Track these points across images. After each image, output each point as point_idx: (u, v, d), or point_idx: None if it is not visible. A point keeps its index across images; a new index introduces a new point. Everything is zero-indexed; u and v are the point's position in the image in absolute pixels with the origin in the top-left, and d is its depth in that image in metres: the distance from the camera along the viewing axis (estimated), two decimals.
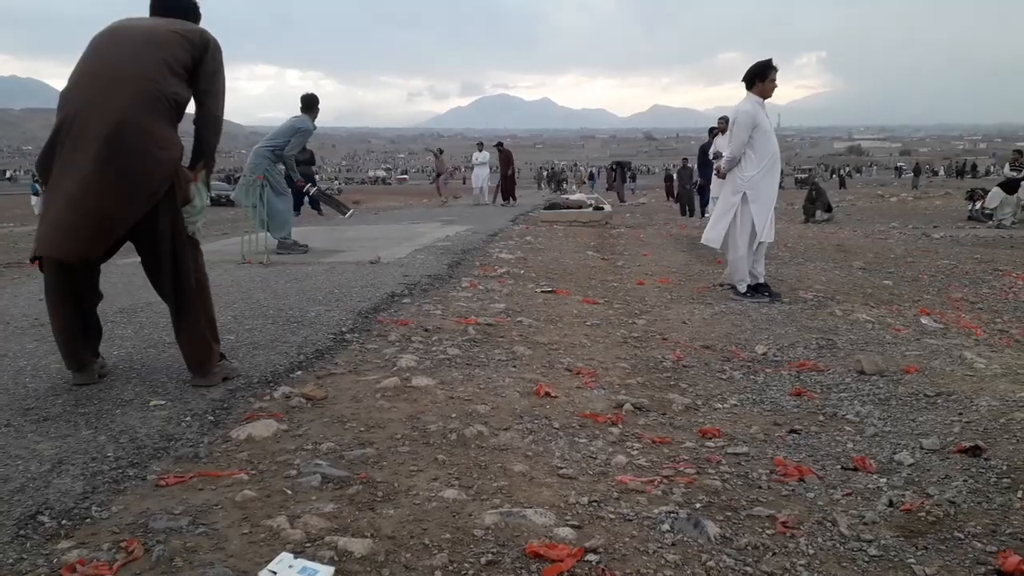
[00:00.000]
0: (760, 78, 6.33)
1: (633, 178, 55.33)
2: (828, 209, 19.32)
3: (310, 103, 8.53)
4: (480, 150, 23.31)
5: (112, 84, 3.21)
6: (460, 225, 12.82)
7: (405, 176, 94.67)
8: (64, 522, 2.16)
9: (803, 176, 45.40)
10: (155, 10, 3.61)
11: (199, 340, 3.44)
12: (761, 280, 6.54)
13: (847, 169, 66.37)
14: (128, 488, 2.40)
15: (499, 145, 21.95)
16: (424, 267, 7.42)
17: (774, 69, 6.35)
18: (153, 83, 3.24)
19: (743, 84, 6.48)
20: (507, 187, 21.54)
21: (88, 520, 2.19)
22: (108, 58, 3.31)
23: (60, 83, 3.63)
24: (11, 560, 1.96)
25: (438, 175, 26.31)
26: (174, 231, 3.34)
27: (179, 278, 3.38)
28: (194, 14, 3.65)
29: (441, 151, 26.63)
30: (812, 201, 19.33)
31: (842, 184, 39.14)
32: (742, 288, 6.49)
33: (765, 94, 6.37)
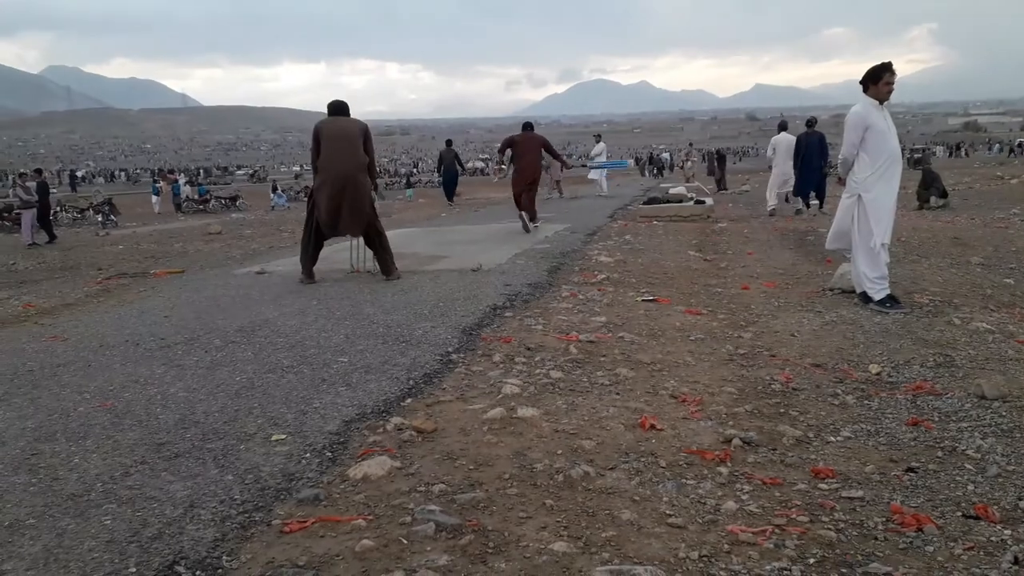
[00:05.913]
0: (874, 81, 6.15)
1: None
2: (943, 195, 18.38)
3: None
4: (598, 142, 23.09)
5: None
6: (558, 223, 12.82)
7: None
8: (198, 573, 2.31)
9: (916, 156, 43.14)
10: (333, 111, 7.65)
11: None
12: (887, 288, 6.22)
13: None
14: (255, 534, 2.54)
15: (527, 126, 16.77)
16: (524, 274, 7.49)
17: (890, 72, 6.13)
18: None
19: (860, 87, 6.31)
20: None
21: (220, 571, 2.33)
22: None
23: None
24: None
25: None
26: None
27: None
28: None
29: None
30: (926, 187, 18.43)
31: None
32: (879, 295, 6.14)
33: (880, 96, 6.18)
